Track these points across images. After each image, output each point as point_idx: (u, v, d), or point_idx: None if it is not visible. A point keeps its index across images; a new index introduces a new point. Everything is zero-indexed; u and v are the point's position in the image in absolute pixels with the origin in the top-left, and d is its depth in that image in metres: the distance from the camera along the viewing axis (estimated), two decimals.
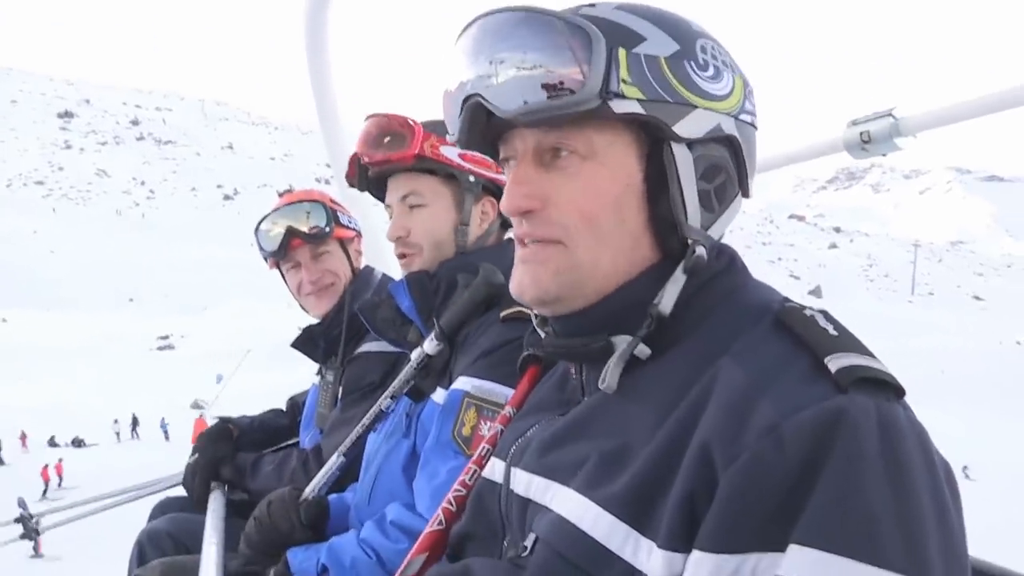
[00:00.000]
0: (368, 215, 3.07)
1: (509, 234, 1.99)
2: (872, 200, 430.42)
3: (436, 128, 1.93)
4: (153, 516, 2.80)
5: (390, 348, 2.21)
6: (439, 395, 1.82)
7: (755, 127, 1.12)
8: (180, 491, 2.84)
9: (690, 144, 1.05)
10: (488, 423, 1.59)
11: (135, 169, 68.71)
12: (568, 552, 0.98)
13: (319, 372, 2.83)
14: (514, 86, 1.02)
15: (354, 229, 2.83)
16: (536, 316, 1.22)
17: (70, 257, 39.86)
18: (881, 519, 0.79)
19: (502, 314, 1.73)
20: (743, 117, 1.09)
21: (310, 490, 1.94)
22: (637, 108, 1.01)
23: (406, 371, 1.87)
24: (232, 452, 2.67)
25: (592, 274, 1.06)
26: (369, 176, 2.03)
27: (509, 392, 1.56)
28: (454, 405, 1.68)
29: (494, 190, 1.97)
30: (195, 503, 2.62)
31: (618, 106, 1.00)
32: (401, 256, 1.97)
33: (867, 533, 0.79)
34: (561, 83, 0.99)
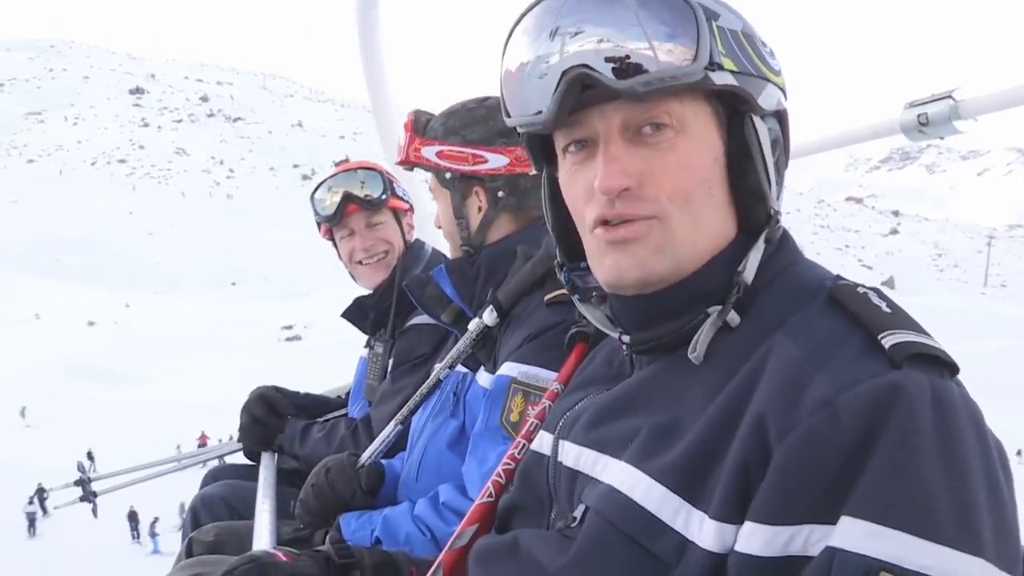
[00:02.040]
0: (417, 191, 3.03)
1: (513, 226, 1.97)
2: (927, 181, 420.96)
3: (435, 128, 1.98)
4: (205, 483, 2.82)
5: None
6: (485, 379, 1.85)
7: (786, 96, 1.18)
8: (232, 459, 3.01)
9: (763, 117, 1.08)
10: (535, 408, 1.57)
11: (212, 147, 70.04)
12: (619, 522, 0.98)
13: (368, 344, 2.82)
14: (614, 59, 1.00)
15: (408, 202, 2.84)
16: (594, 296, 1.23)
17: (167, 239, 40.97)
18: (933, 493, 0.79)
19: (547, 297, 1.74)
20: (786, 93, 1.14)
21: (367, 456, 1.97)
22: (732, 80, 1.02)
23: (464, 341, 1.89)
24: (281, 413, 2.70)
25: (690, 251, 1.06)
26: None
27: (549, 374, 1.61)
28: (501, 391, 1.70)
29: (480, 179, 1.95)
30: (249, 457, 2.75)
31: (719, 77, 1.01)
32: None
33: (919, 507, 0.79)
34: (669, 55, 0.99)
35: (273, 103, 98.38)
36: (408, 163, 2.00)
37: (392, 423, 2.00)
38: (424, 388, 1.98)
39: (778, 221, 1.07)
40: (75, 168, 60.16)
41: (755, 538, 0.86)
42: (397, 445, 2.04)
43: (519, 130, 1.14)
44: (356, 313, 2.76)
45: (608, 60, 0.99)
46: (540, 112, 1.06)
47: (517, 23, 1.09)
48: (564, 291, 1.56)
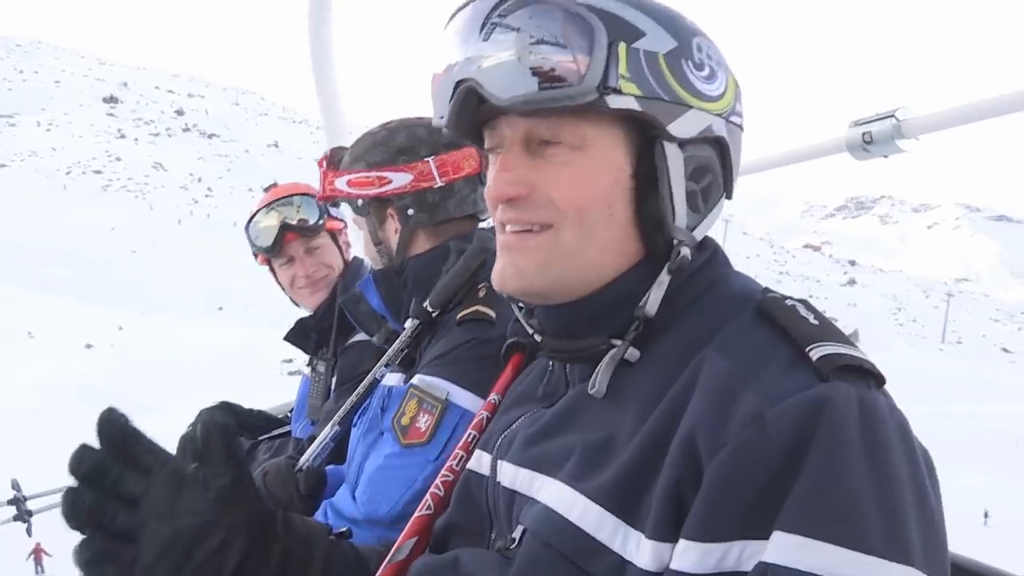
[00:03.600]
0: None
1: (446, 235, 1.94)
2: (879, 231, 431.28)
3: (344, 159, 1.98)
4: None
5: None
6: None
7: (742, 128, 1.14)
8: None
9: (681, 144, 1.05)
10: (426, 415, 1.63)
11: (190, 164, 69.39)
12: (557, 543, 0.98)
13: (310, 363, 2.78)
14: (509, 73, 1.01)
15: (342, 220, 2.80)
16: (521, 308, 1.22)
17: (151, 257, 40.48)
18: (861, 504, 0.80)
19: (459, 316, 1.75)
20: (733, 119, 1.11)
21: (305, 459, 1.94)
22: (634, 104, 1.01)
23: (400, 340, 1.88)
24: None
25: (578, 266, 1.06)
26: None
27: (449, 385, 1.63)
28: (400, 395, 1.72)
29: (388, 200, 1.92)
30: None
31: (614, 101, 1.00)
32: None
33: (848, 518, 0.80)
34: (559, 74, 0.98)
35: (248, 121, 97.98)
36: (326, 198, 2.01)
37: (329, 425, 1.97)
38: (361, 388, 1.96)
39: (680, 252, 1.06)
40: (49, 176, 59.30)
41: (688, 556, 0.86)
42: (340, 452, 1.99)
43: (443, 129, 1.16)
44: (298, 335, 2.74)
45: (503, 73, 1.01)
46: (442, 118, 1.11)
47: (447, 24, 1.12)
48: (477, 308, 1.73)
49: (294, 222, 2.66)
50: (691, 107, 1.05)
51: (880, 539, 0.80)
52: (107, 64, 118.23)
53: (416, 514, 1.29)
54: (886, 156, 2.08)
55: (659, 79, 1.02)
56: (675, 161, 1.05)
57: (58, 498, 3.47)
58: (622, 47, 1.00)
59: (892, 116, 2.02)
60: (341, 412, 1.96)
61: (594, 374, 1.05)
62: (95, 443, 0.97)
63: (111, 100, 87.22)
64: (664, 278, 1.05)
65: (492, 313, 1.73)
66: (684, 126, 1.05)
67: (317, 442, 1.96)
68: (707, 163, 1.09)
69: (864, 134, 2.06)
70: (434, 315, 1.82)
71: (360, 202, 1.93)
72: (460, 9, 1.08)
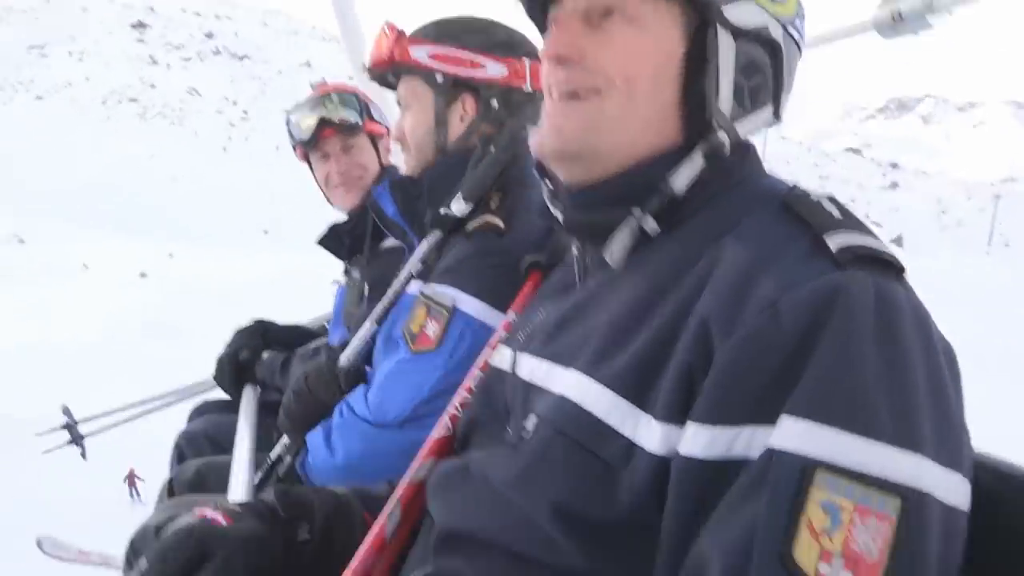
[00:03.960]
0: (394, 114, 2.69)
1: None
2: (922, 132, 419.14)
3: (426, 30, 1.92)
4: (191, 419, 2.79)
5: None
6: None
7: (800, 49, 1.15)
8: (217, 394, 2.86)
9: (736, 34, 1.06)
10: (433, 321, 1.64)
11: (223, 87, 68.99)
12: (568, 429, 0.99)
13: (345, 271, 2.80)
14: None
15: (385, 125, 2.78)
16: (548, 188, 1.22)
17: (191, 185, 40.59)
18: (871, 390, 0.80)
19: (468, 228, 1.74)
20: (791, 30, 1.12)
21: (345, 359, 1.93)
22: None
23: (422, 251, 1.86)
24: (261, 346, 2.62)
25: (617, 137, 1.07)
26: (375, 78, 2.03)
27: (456, 292, 1.64)
28: (408, 303, 1.75)
29: (475, 87, 1.89)
30: (226, 392, 2.62)
31: None
32: (404, 154, 1.99)
33: (856, 403, 0.80)
34: None
35: (278, 41, 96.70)
36: (389, 64, 1.90)
37: (368, 321, 1.94)
38: (397, 286, 1.91)
39: (718, 138, 1.06)
40: (85, 107, 59.36)
41: (697, 439, 0.86)
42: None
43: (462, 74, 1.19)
44: (332, 240, 2.70)
45: None
46: None
47: None
48: (487, 219, 1.72)
49: (333, 118, 2.65)
50: None
51: (889, 425, 0.79)
52: None
53: (434, 436, 1.30)
54: (916, 33, 1.99)
55: None
56: (727, 49, 1.05)
57: (107, 420, 3.43)
58: None
59: None
60: (378, 310, 1.92)
61: (609, 241, 1.06)
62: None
63: (139, 26, 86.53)
64: (697, 159, 1.05)
65: (501, 223, 1.71)
66: (741, 14, 1.05)
67: (356, 340, 1.94)
68: (759, 62, 1.09)
69: (894, 12, 1.98)
70: (465, 214, 1.76)
71: (440, 78, 1.85)
72: None
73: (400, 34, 1.88)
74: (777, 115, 1.15)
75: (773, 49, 1.10)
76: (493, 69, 1.87)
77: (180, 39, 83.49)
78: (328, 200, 2.77)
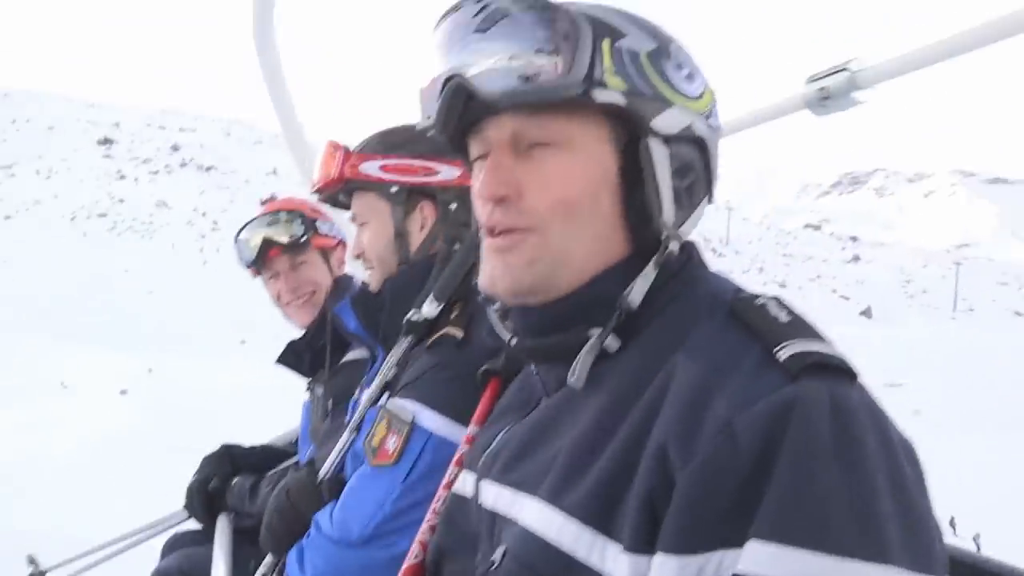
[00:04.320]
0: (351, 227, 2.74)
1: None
2: (877, 204, 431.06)
3: (372, 144, 1.89)
4: (164, 554, 2.73)
5: None
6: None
7: (718, 134, 1.16)
8: (188, 526, 2.81)
9: (666, 140, 1.06)
10: (394, 435, 1.59)
11: (192, 199, 69.82)
12: (535, 565, 0.97)
13: (308, 387, 2.72)
14: (497, 70, 1.03)
15: (336, 238, 2.77)
16: (497, 312, 1.22)
17: (166, 297, 40.66)
18: (833, 506, 0.78)
19: (428, 341, 1.73)
20: (711, 121, 1.13)
21: (325, 470, 1.88)
22: (619, 99, 1.03)
23: (396, 355, 1.80)
24: (230, 473, 2.57)
25: (566, 264, 1.07)
26: (326, 199, 2.01)
27: (416, 406, 1.59)
28: (371, 417, 1.72)
29: (431, 194, 1.87)
30: (199, 521, 2.59)
31: (600, 95, 1.02)
32: (368, 271, 1.96)
33: (820, 521, 0.77)
34: (546, 69, 1.01)
35: (243, 150, 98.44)
36: (341, 182, 1.88)
37: (347, 431, 1.89)
38: (371, 392, 1.85)
39: (668, 247, 1.07)
40: (54, 224, 59.73)
41: (666, 568, 0.84)
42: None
43: (430, 130, 1.19)
44: (291, 357, 2.66)
45: (493, 70, 1.04)
46: (430, 117, 1.14)
47: (433, 32, 1.14)
48: (446, 330, 1.69)
49: (277, 239, 2.66)
50: (673, 104, 1.07)
51: (854, 539, 0.77)
52: (96, 106, 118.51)
53: (405, 564, 1.30)
54: (845, 110, 2.01)
55: (642, 75, 1.05)
56: (661, 157, 1.06)
57: (76, 565, 3.06)
58: (606, 43, 1.04)
59: (845, 68, 1.96)
60: (356, 419, 1.88)
61: (574, 363, 1.04)
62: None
63: (106, 141, 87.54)
64: (650, 271, 1.06)
65: (460, 333, 1.69)
66: (668, 121, 1.06)
67: (336, 451, 1.89)
68: (690, 161, 1.10)
69: (820, 89, 1.99)
70: (435, 315, 1.74)
71: (395, 189, 1.86)
72: (446, 15, 1.10)
73: (347, 152, 1.88)
74: (711, 200, 1.17)
75: (700, 145, 1.12)
76: (446, 173, 1.87)
77: (147, 153, 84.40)
78: (285, 318, 2.77)
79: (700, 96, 1.12)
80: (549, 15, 1.03)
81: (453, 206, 1.86)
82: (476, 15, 1.06)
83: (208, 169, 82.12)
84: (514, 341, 1.17)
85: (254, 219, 2.73)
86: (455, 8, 1.09)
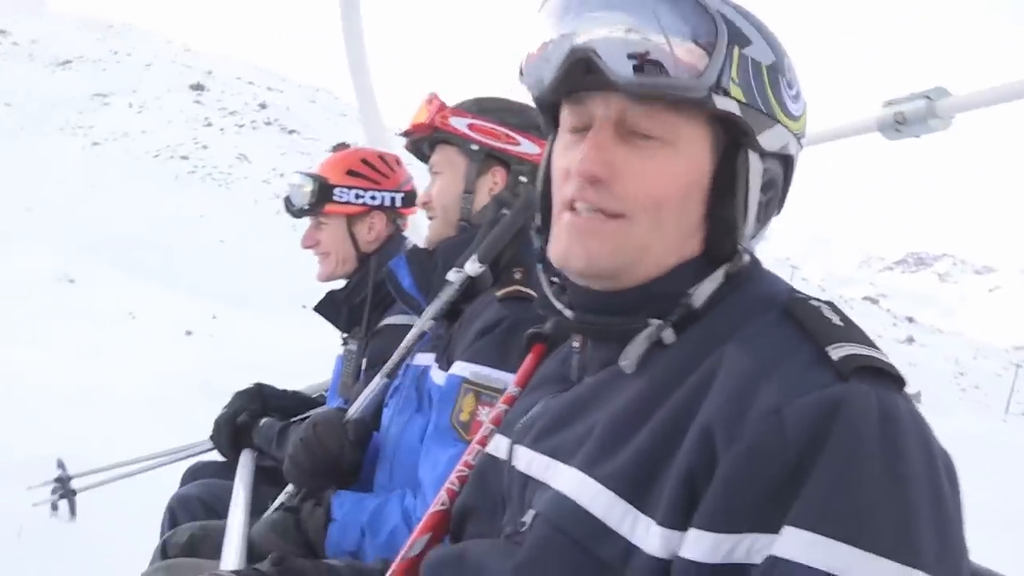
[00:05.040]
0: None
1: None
2: (938, 289, 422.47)
3: (467, 103, 1.96)
4: (184, 481, 2.80)
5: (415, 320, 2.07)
6: (439, 376, 1.81)
7: (801, 150, 1.17)
8: (211, 456, 2.88)
9: (762, 155, 1.07)
10: (486, 408, 1.58)
11: (273, 159, 71.11)
12: (567, 527, 0.99)
13: (343, 341, 2.79)
14: (614, 41, 1.00)
15: (365, 205, 2.77)
16: (553, 283, 1.21)
17: (237, 249, 41.49)
18: (875, 505, 0.80)
19: (498, 294, 1.73)
20: (802, 141, 1.14)
21: (354, 410, 1.93)
22: (735, 109, 1.02)
23: (447, 292, 1.84)
24: (260, 411, 2.62)
25: (645, 257, 1.07)
26: (411, 145, 2.08)
27: (507, 376, 1.55)
28: (452, 390, 1.67)
29: (507, 161, 1.93)
30: (223, 454, 2.66)
31: (720, 102, 1.01)
32: (430, 220, 2.03)
33: (860, 518, 0.79)
34: (678, 64, 0.98)
35: (327, 120, 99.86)
36: (429, 129, 1.97)
37: (378, 376, 1.95)
38: (408, 341, 1.94)
39: (742, 259, 1.08)
40: (138, 158, 61.26)
41: (699, 545, 0.87)
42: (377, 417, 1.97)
43: (528, 89, 1.16)
44: (329, 307, 2.72)
45: (622, 50, 1.00)
46: (541, 81, 1.11)
47: (542, 6, 1.11)
48: (517, 287, 1.71)
49: (294, 199, 2.76)
50: (779, 122, 1.08)
51: (891, 540, 0.79)
52: (192, 51, 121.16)
53: (430, 509, 1.31)
54: (918, 136, 2.01)
55: (760, 89, 1.05)
56: (756, 171, 1.08)
57: (99, 477, 3.27)
58: (736, 51, 1.02)
59: (926, 96, 1.97)
60: (390, 364, 1.95)
61: (627, 347, 1.06)
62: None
63: (198, 87, 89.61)
64: (719, 276, 1.07)
65: (532, 292, 1.70)
66: (770, 139, 1.08)
67: (366, 393, 1.96)
68: (775, 178, 1.12)
69: (896, 114, 2.00)
70: (478, 274, 1.77)
71: (475, 147, 1.94)
72: None
73: (442, 104, 1.97)
74: (778, 213, 1.18)
75: (787, 162, 1.13)
76: (527, 146, 1.95)
77: (235, 105, 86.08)
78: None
79: (799, 117, 1.13)
80: (692, 5, 1.00)
81: (523, 179, 1.94)
82: None
83: (291, 132, 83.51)
84: (569, 314, 1.16)
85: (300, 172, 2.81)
86: None
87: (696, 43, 0.99)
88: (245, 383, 2.98)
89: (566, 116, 1.14)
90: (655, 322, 1.06)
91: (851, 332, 0.96)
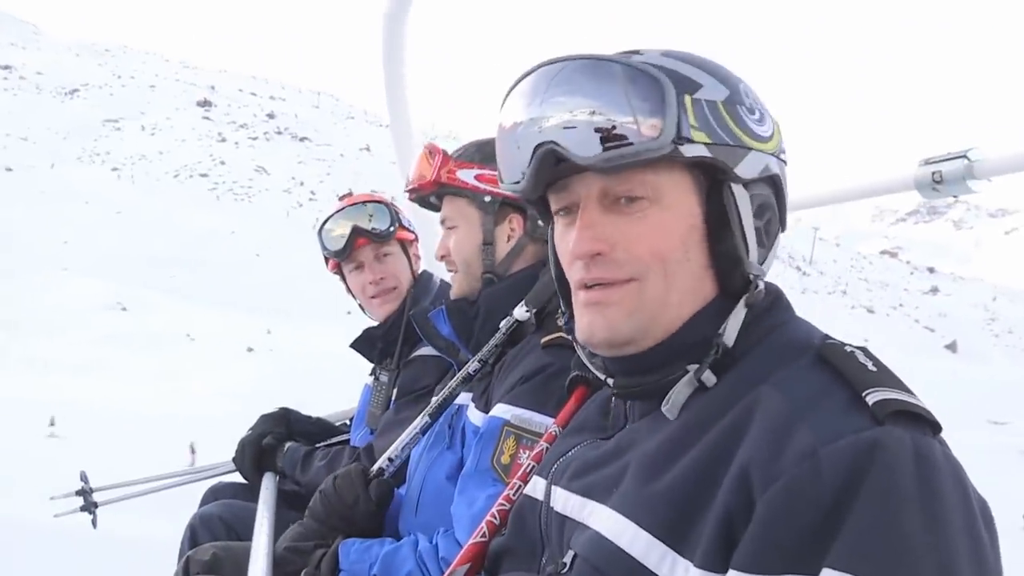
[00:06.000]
0: (422, 222, 2.94)
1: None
2: (953, 237, 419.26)
3: (470, 153, 1.92)
4: (205, 500, 2.74)
5: None
6: (476, 417, 1.79)
7: (786, 164, 1.18)
8: (233, 477, 2.84)
9: (745, 184, 1.09)
10: (527, 452, 1.54)
11: (291, 168, 71.81)
12: (606, 569, 1.00)
13: (373, 372, 2.79)
14: (589, 134, 1.03)
15: (413, 232, 2.79)
16: (585, 349, 1.23)
17: (273, 261, 42.19)
18: (914, 549, 0.79)
19: (543, 340, 1.71)
20: (782, 156, 1.15)
21: (393, 449, 1.91)
22: (704, 152, 1.05)
23: (497, 336, 1.82)
24: (285, 435, 2.62)
25: (662, 313, 1.09)
26: (416, 199, 2.03)
27: (548, 421, 1.55)
28: (494, 433, 1.65)
29: (521, 207, 1.90)
30: (245, 476, 2.63)
31: (688, 150, 1.04)
32: (451, 273, 1.99)
33: (900, 562, 0.78)
34: (637, 131, 1.02)
35: (335, 124, 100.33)
36: (435, 186, 1.92)
37: (420, 416, 1.93)
38: (455, 382, 1.90)
39: (758, 286, 1.09)
40: (159, 180, 62.06)
41: None
42: (397, 477, 1.97)
43: (513, 195, 1.19)
44: (364, 343, 2.72)
45: (588, 130, 1.04)
46: (517, 182, 1.14)
47: (512, 88, 1.14)
48: (561, 334, 1.67)
49: (366, 227, 2.66)
50: (751, 149, 1.09)
51: None
52: (191, 67, 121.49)
53: (470, 541, 1.33)
54: (956, 197, 2.02)
55: (722, 125, 1.07)
56: (743, 201, 1.09)
57: (120, 491, 3.24)
58: (687, 99, 1.04)
59: (964, 156, 1.96)
60: (434, 404, 1.93)
61: (668, 395, 1.06)
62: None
63: (205, 104, 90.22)
64: (741, 309, 1.08)
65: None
66: (748, 167, 1.09)
67: (408, 431, 1.94)
68: (767, 200, 1.13)
69: (934, 173, 2.00)
70: (527, 318, 1.78)
71: (488, 198, 1.90)
72: (527, 74, 1.12)
73: (445, 156, 1.91)
74: (783, 229, 1.19)
75: (773, 181, 1.14)
76: None
77: (244, 118, 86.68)
78: (362, 310, 2.80)
79: (771, 135, 1.13)
80: (631, 73, 1.03)
81: (540, 222, 1.85)
82: (561, 71, 1.06)
83: (302, 139, 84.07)
84: (609, 381, 1.18)
85: (338, 211, 2.73)
86: (540, 64, 1.10)
87: (647, 106, 1.02)
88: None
89: (554, 203, 1.17)
90: (692, 367, 1.07)
91: (885, 377, 0.96)
